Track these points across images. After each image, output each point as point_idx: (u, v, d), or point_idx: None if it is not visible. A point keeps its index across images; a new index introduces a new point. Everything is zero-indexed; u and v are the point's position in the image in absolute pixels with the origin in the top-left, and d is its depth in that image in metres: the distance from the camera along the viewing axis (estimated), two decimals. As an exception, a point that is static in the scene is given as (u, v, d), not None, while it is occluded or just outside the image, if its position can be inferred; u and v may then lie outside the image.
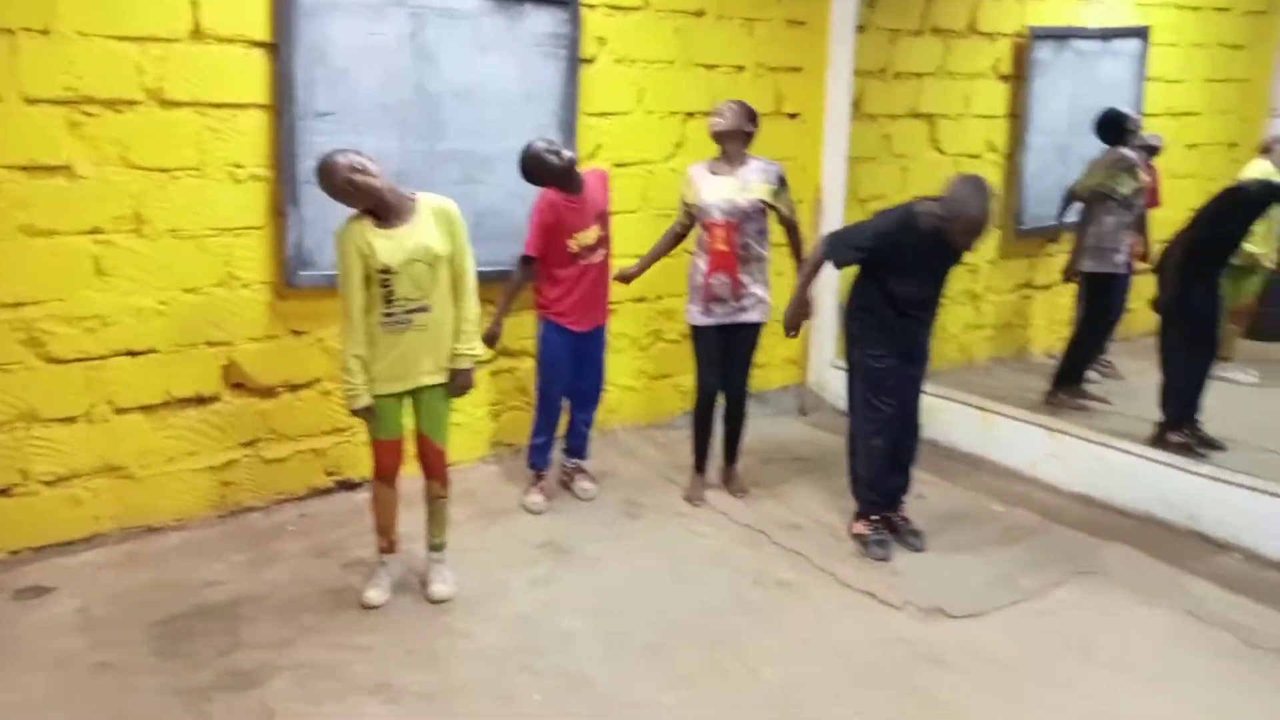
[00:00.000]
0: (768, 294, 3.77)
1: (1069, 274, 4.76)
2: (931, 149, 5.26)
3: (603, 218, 3.67)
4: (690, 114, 4.50)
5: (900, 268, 3.27)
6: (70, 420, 3.35)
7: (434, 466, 3.14)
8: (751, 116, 3.67)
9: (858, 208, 5.04)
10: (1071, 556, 3.42)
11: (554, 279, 3.64)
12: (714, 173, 3.69)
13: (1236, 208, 4.10)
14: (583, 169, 3.71)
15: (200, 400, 3.57)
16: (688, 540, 3.56)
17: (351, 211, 2.91)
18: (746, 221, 3.65)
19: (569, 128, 4.08)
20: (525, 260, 3.62)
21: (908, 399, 3.44)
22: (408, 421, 3.10)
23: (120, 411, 3.43)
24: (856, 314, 3.45)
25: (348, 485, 3.91)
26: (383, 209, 2.88)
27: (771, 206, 3.70)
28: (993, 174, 5.46)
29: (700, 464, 3.95)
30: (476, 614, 3.04)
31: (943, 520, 3.69)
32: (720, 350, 3.79)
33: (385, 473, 3.10)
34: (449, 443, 3.18)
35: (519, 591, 3.18)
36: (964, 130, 5.33)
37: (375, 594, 3.08)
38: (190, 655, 2.79)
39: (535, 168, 3.49)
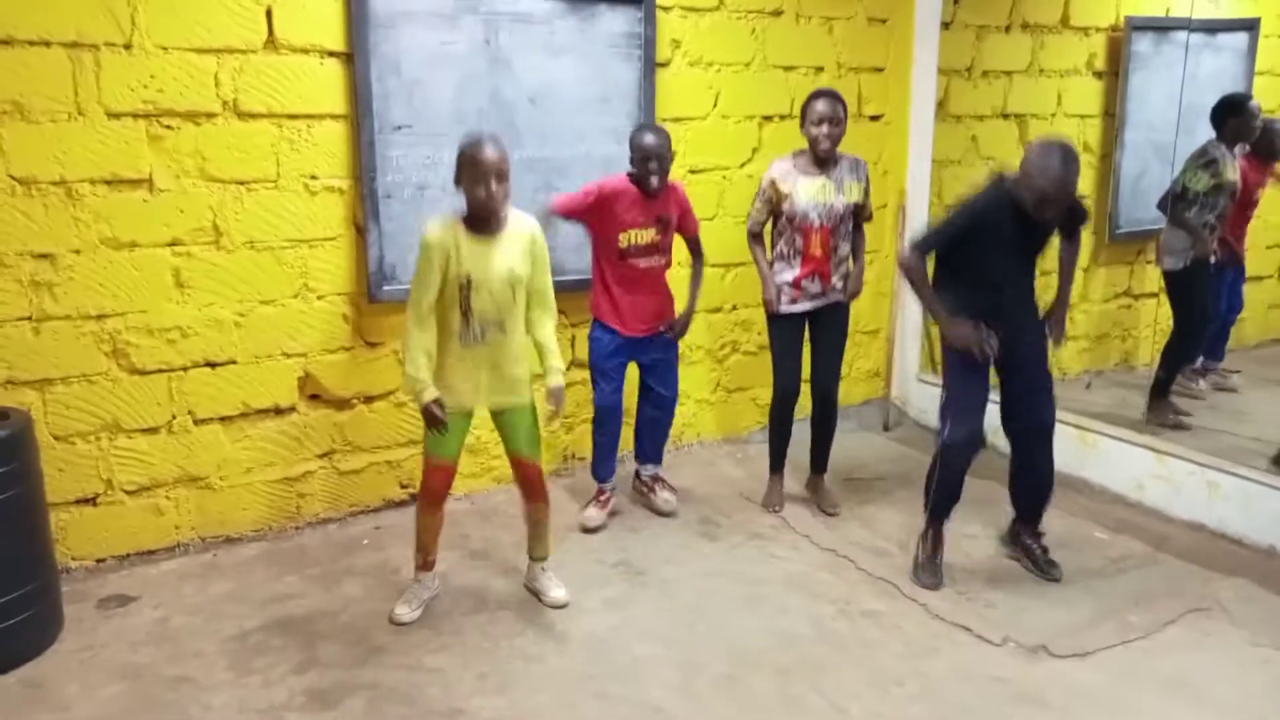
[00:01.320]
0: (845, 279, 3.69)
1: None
2: (1022, 151, 5.00)
3: (665, 224, 3.54)
4: (767, 117, 4.36)
5: (985, 251, 3.04)
6: (153, 431, 3.38)
7: (534, 487, 3.06)
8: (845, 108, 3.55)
9: (943, 213, 4.83)
10: (1184, 591, 3.17)
11: (604, 281, 3.55)
12: (804, 172, 3.52)
13: None
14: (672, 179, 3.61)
15: (277, 411, 3.58)
16: (766, 564, 3.42)
17: (443, 212, 2.85)
18: (840, 224, 3.54)
19: (646, 132, 3.98)
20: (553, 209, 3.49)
21: (1027, 376, 3.13)
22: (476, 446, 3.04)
23: (200, 422, 3.45)
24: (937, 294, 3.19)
25: (421, 497, 3.88)
26: (485, 217, 2.80)
27: (861, 206, 3.60)
28: (1087, 176, 5.19)
29: (778, 466, 3.81)
30: (549, 636, 2.96)
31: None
32: (801, 341, 3.68)
33: (433, 496, 3.01)
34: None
35: (592, 613, 3.09)
36: (1056, 130, 5.07)
37: (406, 611, 3.03)
38: (265, 671, 2.77)
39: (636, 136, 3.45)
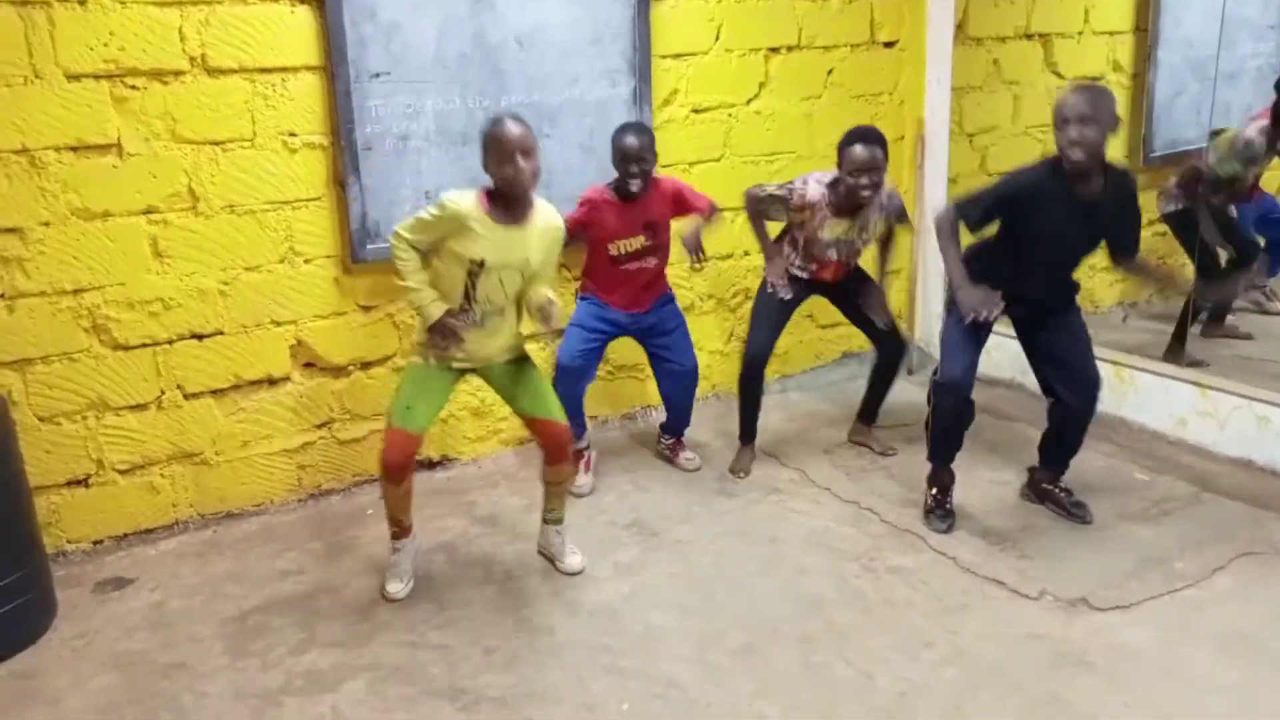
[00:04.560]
0: None
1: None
2: (1047, 73, 4.72)
3: (654, 229, 3.35)
4: (774, 49, 4.10)
5: (1023, 232, 2.87)
6: (142, 407, 3.25)
7: (560, 448, 2.90)
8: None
9: (964, 142, 4.57)
10: (1234, 534, 2.97)
11: (597, 275, 3.42)
12: (835, 212, 3.32)
13: None
14: (658, 174, 3.41)
15: (271, 382, 3.44)
16: (786, 520, 3.26)
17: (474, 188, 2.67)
18: (858, 254, 3.48)
19: (643, 72, 3.75)
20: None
21: (1060, 368, 3.02)
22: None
23: (190, 396, 3.32)
24: (970, 260, 3.01)
25: (427, 464, 3.74)
26: (515, 201, 2.65)
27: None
28: (1119, 97, 4.87)
29: (748, 436, 3.67)
30: (559, 606, 2.82)
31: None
32: (789, 315, 3.56)
33: (394, 471, 2.77)
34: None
35: (603, 580, 2.95)
36: (1084, 50, 4.76)
37: (397, 587, 2.91)
38: (263, 654, 2.66)
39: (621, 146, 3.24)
